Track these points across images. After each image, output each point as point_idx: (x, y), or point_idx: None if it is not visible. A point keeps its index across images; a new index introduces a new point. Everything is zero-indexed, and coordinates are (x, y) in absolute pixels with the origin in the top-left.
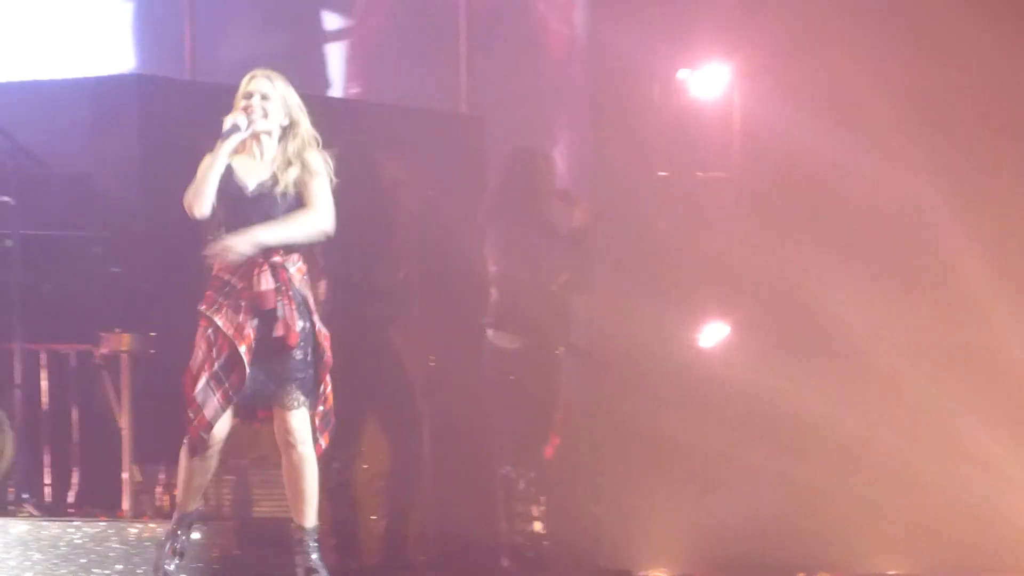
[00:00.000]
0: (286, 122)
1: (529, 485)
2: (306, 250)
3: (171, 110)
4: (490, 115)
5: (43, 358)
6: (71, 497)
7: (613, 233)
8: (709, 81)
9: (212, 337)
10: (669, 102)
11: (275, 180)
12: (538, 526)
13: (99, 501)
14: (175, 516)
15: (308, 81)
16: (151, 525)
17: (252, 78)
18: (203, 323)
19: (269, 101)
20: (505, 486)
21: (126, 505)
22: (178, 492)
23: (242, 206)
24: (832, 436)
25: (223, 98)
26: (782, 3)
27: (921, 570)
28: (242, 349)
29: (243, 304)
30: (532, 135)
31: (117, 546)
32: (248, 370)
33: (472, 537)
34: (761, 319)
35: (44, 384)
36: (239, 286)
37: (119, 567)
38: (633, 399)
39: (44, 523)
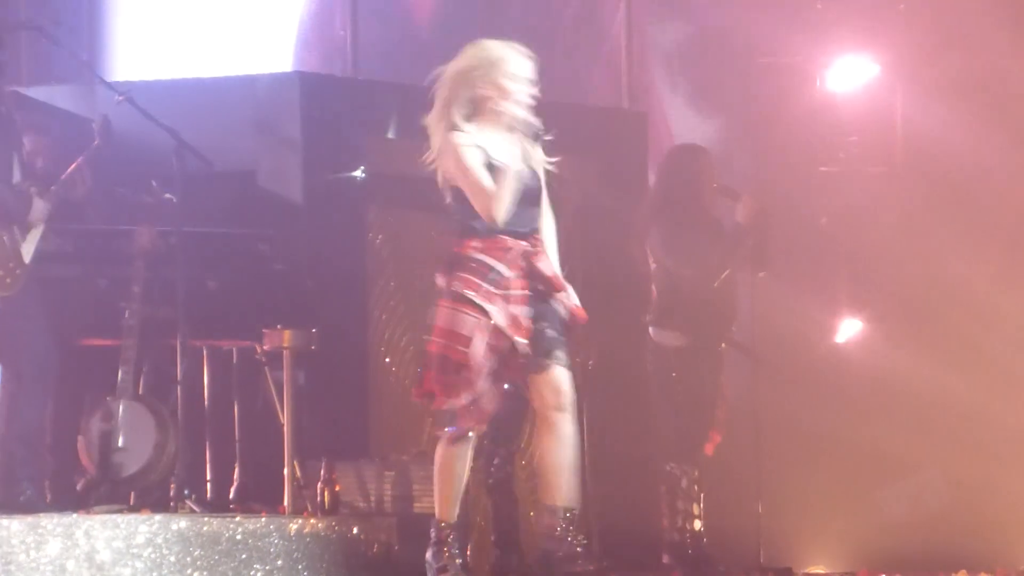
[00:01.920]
0: None
1: (692, 483)
2: None
3: (333, 107)
4: (653, 111)
5: (206, 354)
6: (232, 493)
7: (775, 229)
8: (869, 75)
9: (484, 327)
10: (832, 98)
11: (534, 171)
12: (698, 523)
13: (260, 497)
14: (438, 533)
15: None
16: (312, 521)
17: (522, 55)
18: (464, 307)
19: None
20: (668, 483)
21: (287, 501)
22: (439, 501)
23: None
24: (997, 431)
25: (383, 95)
26: None
27: None
28: (523, 342)
29: (515, 295)
30: (694, 131)
31: (278, 542)
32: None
33: (632, 534)
34: (925, 314)
35: (206, 380)
36: (509, 274)
37: (279, 563)
38: (795, 395)
39: (205, 519)
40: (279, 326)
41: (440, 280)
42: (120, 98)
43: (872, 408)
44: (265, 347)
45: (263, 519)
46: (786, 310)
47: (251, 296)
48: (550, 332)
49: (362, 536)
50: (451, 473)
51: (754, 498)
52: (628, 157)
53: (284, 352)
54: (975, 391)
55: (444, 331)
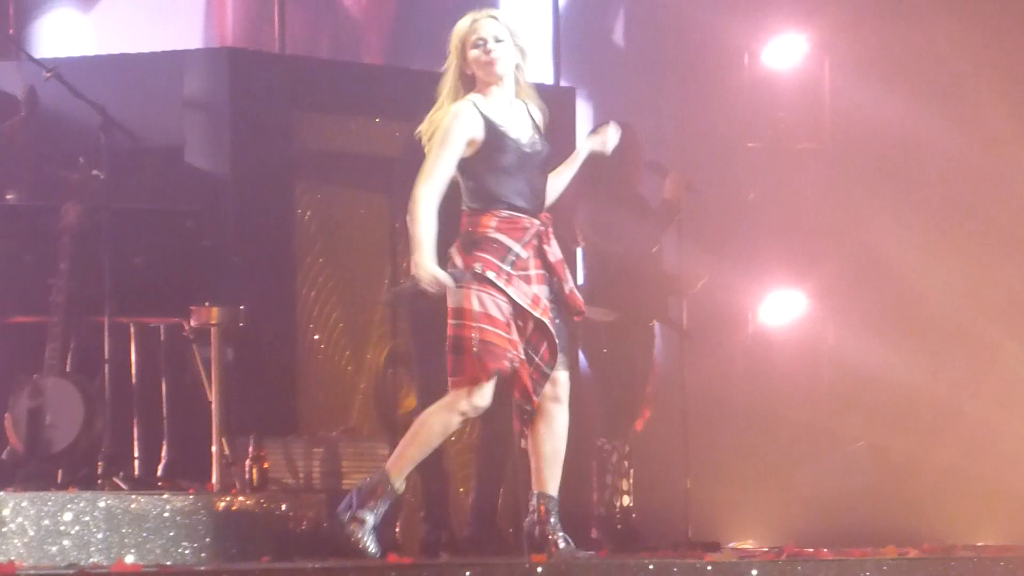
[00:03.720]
0: (519, 59)
1: (622, 458)
2: None
3: (261, 83)
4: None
5: (133, 331)
6: (160, 470)
7: (703, 205)
8: (798, 51)
9: (505, 309)
10: (758, 73)
11: (539, 132)
12: (628, 499)
13: (188, 474)
14: (378, 485)
15: (397, 55)
16: (240, 498)
17: (476, 21)
18: (490, 289)
19: (503, 44)
20: (599, 459)
21: (215, 478)
22: (401, 459)
23: (523, 162)
24: (924, 406)
25: (312, 71)
26: None
27: (1013, 541)
28: (546, 321)
29: (533, 275)
30: (622, 107)
31: (206, 519)
32: (556, 341)
33: (561, 508)
34: (852, 289)
35: (134, 357)
36: (525, 255)
37: (208, 540)
38: (724, 371)
39: (133, 496)
40: (207, 303)
41: (458, 260)
42: (48, 74)
43: (800, 384)
44: (193, 324)
45: (191, 496)
46: (715, 286)
47: (178, 273)
48: (556, 321)
49: (291, 513)
50: (429, 441)
51: (683, 474)
52: (556, 133)
53: (212, 329)
54: (902, 366)
55: (478, 314)
